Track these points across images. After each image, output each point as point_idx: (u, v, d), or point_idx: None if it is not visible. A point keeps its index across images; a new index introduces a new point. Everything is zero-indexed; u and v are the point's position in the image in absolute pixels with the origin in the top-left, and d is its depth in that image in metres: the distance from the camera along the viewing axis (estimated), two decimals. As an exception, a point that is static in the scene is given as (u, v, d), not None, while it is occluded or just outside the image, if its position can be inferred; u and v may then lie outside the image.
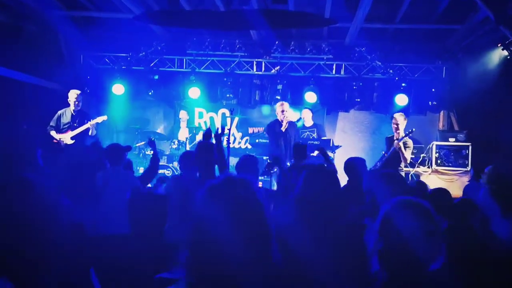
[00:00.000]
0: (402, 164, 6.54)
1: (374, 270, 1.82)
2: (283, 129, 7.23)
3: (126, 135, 9.13)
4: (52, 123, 7.17)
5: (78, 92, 7.25)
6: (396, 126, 6.44)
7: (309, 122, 8.22)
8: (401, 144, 6.20)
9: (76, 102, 7.17)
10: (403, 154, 6.23)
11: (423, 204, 1.76)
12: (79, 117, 7.20)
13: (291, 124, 7.41)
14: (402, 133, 6.35)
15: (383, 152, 6.69)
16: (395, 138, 6.47)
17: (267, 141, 7.76)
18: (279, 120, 7.32)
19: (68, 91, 7.30)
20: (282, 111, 7.29)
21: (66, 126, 7.17)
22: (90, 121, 7.14)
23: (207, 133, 4.49)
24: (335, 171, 2.98)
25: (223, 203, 1.19)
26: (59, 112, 7.23)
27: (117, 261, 3.65)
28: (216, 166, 4.13)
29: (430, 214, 1.72)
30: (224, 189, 1.22)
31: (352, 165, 4.45)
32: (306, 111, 8.28)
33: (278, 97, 8.80)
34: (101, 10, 7.84)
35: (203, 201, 1.22)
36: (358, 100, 8.97)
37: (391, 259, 1.69)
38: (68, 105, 7.22)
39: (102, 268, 2.97)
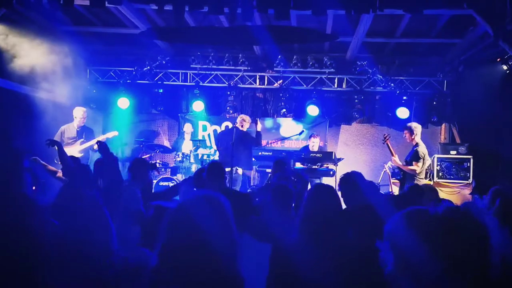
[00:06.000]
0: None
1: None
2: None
3: (131, 148, 9.24)
4: (56, 138, 7.07)
5: (84, 109, 7.53)
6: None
7: (316, 148, 8.15)
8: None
9: (82, 119, 7.42)
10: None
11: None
12: (86, 132, 7.41)
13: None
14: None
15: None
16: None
17: (270, 153, 7.92)
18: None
19: (72, 106, 7.48)
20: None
21: (72, 140, 7.31)
22: (98, 136, 7.36)
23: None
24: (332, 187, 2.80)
25: None
26: (62, 127, 7.38)
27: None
28: None
29: None
30: None
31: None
32: (316, 139, 8.18)
33: (284, 111, 8.99)
34: (107, 26, 7.99)
35: None
36: (359, 114, 9.06)
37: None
38: (72, 120, 7.42)
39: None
